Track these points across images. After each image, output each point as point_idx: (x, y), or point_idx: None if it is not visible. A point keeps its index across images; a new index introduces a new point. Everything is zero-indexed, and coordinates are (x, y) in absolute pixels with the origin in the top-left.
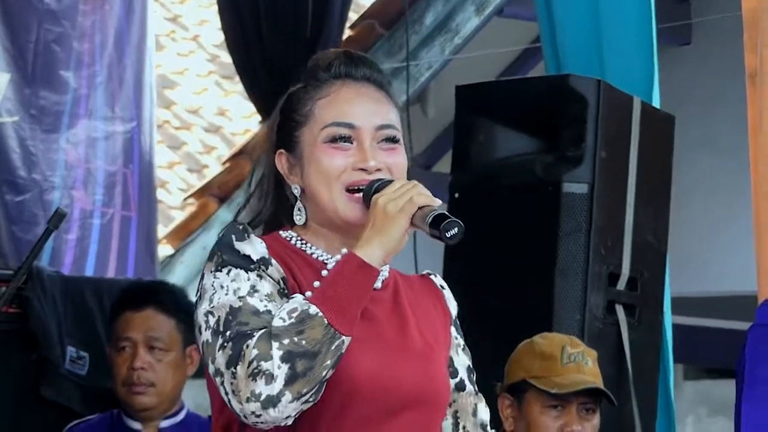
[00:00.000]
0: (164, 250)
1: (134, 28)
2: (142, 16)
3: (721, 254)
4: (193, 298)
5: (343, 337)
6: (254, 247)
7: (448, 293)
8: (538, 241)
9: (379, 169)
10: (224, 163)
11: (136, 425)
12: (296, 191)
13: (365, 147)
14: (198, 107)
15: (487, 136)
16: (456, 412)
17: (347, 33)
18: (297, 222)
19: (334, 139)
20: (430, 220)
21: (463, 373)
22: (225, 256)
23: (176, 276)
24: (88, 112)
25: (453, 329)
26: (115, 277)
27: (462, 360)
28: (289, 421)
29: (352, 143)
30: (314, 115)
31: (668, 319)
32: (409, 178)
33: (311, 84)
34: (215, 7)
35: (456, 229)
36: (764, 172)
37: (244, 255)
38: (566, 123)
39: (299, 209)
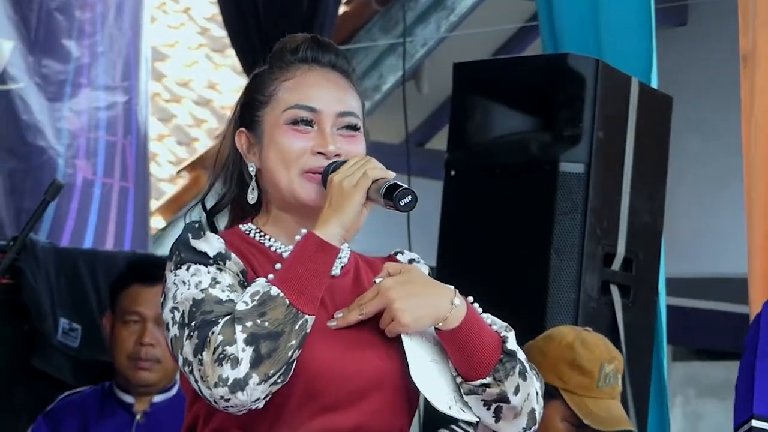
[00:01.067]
0: (156, 222)
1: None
2: None
3: (712, 237)
4: None
5: (306, 317)
6: (210, 244)
7: (419, 267)
8: (533, 221)
9: (338, 155)
10: (217, 136)
11: (129, 398)
12: (252, 170)
13: (326, 132)
14: (188, 80)
15: (484, 115)
16: None
17: (342, 9)
18: (249, 201)
19: (296, 122)
20: (383, 190)
21: None
22: (183, 254)
23: (168, 249)
24: (89, 81)
25: None
26: (113, 249)
27: None
28: (260, 404)
29: (312, 127)
30: (278, 96)
31: (662, 301)
32: (407, 155)
33: (277, 66)
34: None
35: (409, 197)
36: (755, 155)
37: (201, 252)
38: (564, 102)
39: (252, 188)
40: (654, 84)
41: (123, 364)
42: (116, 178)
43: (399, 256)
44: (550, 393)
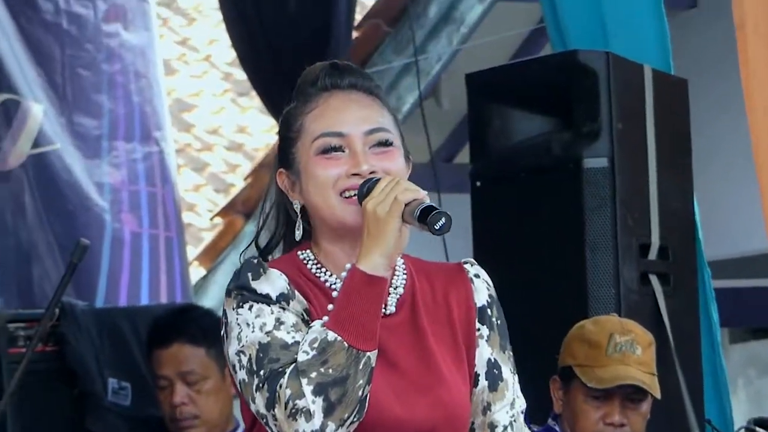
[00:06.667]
0: (197, 272)
1: (152, 46)
2: (153, 32)
3: (747, 214)
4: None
5: (368, 354)
6: (272, 284)
7: (479, 283)
8: (564, 221)
9: (373, 172)
10: (246, 179)
11: None
12: (297, 207)
13: (357, 152)
14: (217, 127)
15: (503, 121)
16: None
17: (354, 34)
18: (296, 238)
19: (326, 150)
20: (417, 214)
21: (480, 368)
22: (245, 292)
23: (211, 297)
24: (125, 133)
25: (477, 322)
26: (167, 301)
27: (482, 354)
28: None
29: (344, 152)
30: (305, 129)
31: (708, 283)
32: (434, 172)
33: (301, 100)
34: (224, 26)
35: (443, 219)
36: (757, 125)
37: (263, 294)
38: (579, 99)
39: (298, 226)
40: (670, 68)
41: (169, 426)
42: (161, 229)
43: (467, 267)
44: (569, 373)
